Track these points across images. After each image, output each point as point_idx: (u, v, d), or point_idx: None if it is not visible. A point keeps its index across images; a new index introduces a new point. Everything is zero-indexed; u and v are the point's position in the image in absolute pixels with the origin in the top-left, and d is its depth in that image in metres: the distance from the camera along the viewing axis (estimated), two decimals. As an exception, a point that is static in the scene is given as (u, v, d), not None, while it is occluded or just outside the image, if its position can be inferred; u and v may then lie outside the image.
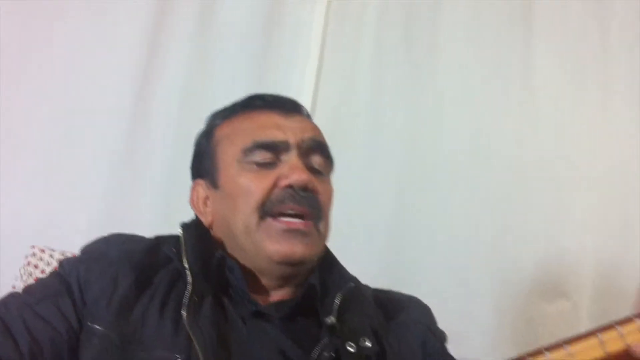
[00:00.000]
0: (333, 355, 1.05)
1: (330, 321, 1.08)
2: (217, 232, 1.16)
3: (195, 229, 1.14)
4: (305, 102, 1.84)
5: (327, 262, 1.19)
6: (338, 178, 1.81)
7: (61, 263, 1.09)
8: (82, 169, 1.73)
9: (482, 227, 1.84)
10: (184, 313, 1.02)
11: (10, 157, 1.69)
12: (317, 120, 1.81)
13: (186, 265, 1.07)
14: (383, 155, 1.86)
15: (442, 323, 1.74)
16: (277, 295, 1.14)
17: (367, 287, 1.24)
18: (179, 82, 1.81)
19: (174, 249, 1.10)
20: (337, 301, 1.10)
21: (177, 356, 0.99)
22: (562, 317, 1.81)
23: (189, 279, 1.06)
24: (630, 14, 1.82)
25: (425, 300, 1.76)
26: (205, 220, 1.17)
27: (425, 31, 1.89)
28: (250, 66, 1.85)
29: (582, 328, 1.74)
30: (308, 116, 1.24)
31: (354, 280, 1.20)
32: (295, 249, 1.08)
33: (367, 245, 1.83)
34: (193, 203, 1.19)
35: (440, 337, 1.21)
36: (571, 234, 1.82)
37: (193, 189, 1.20)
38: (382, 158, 1.86)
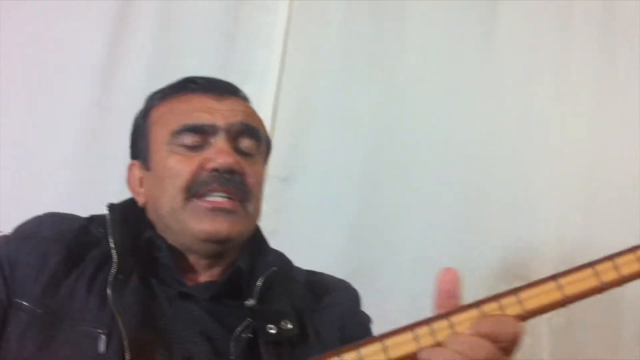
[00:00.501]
0: (251, 336, 1.09)
1: (250, 304, 1.12)
2: (150, 212, 1.20)
3: (124, 209, 1.19)
4: (270, 85, 1.86)
5: (257, 245, 1.24)
6: (305, 163, 1.85)
7: (-5, 242, 1.14)
8: (46, 152, 1.74)
9: (446, 210, 1.84)
10: (109, 291, 1.07)
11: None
12: (282, 102, 1.85)
13: (112, 245, 1.11)
14: (349, 138, 1.87)
15: (408, 305, 1.77)
16: (206, 276, 1.18)
17: (299, 271, 1.29)
18: (143, 65, 1.82)
19: (101, 229, 1.14)
20: (259, 284, 1.15)
21: (100, 331, 1.04)
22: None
23: (114, 257, 1.10)
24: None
25: (391, 283, 1.80)
26: (140, 200, 1.21)
27: (392, 10, 1.89)
28: (215, 47, 1.86)
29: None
30: (245, 99, 1.28)
31: (284, 262, 1.25)
32: (220, 227, 1.13)
33: (334, 226, 1.84)
34: (129, 183, 1.24)
35: (363, 319, 1.24)
36: (535, 217, 1.82)
37: (129, 169, 1.25)
38: (348, 141, 1.87)
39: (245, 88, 1.82)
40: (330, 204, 1.85)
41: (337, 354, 0.84)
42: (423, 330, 0.84)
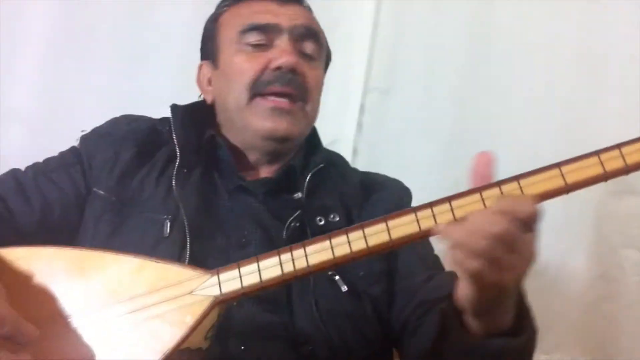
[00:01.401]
0: (298, 225, 1.17)
1: (298, 197, 1.20)
2: (218, 108, 1.30)
3: (187, 110, 1.28)
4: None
5: (313, 145, 1.30)
6: (405, 74, 1.86)
7: (79, 140, 1.28)
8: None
9: (543, 118, 1.80)
10: (173, 182, 1.18)
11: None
12: (383, 15, 1.85)
13: (175, 141, 1.22)
14: (447, 50, 1.85)
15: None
16: (265, 172, 1.27)
17: (355, 171, 1.36)
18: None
19: (167, 127, 1.25)
20: (307, 179, 1.21)
21: (165, 217, 1.16)
22: (632, 213, 1.75)
23: (178, 152, 1.21)
24: None
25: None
26: (208, 98, 1.31)
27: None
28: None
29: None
30: (309, 10, 1.33)
31: (338, 161, 1.33)
32: (279, 126, 1.20)
33: (433, 137, 1.86)
34: (198, 82, 1.34)
35: None
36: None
37: (199, 69, 1.34)
38: (446, 53, 1.85)
39: (346, 2, 1.88)
40: (429, 114, 1.86)
41: (346, 232, 0.90)
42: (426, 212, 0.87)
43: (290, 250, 0.90)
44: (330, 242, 0.89)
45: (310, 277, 1.10)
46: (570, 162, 0.85)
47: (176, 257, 1.10)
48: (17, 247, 0.98)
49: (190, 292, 0.91)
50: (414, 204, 1.27)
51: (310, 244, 0.90)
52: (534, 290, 1.76)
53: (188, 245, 1.12)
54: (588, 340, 1.78)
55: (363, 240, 0.88)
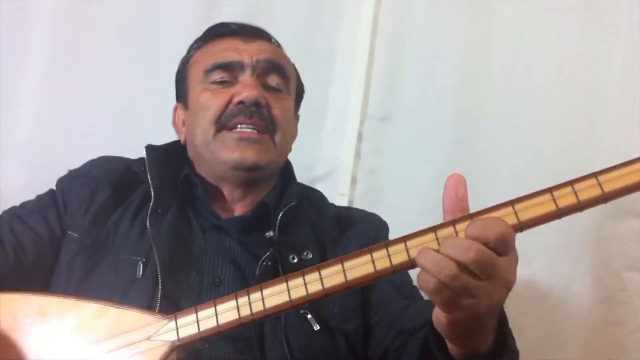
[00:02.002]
0: (270, 264, 1.16)
1: (270, 235, 1.20)
2: (189, 147, 1.31)
3: (161, 150, 1.29)
4: (366, 26, 1.85)
5: (286, 180, 1.30)
6: (402, 103, 1.84)
7: (57, 182, 1.30)
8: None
9: (551, 147, 1.77)
10: (147, 223, 1.19)
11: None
12: (379, 44, 1.84)
13: (150, 182, 1.23)
14: (443, 78, 1.84)
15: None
16: (240, 207, 1.27)
17: (331, 206, 1.35)
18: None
19: (142, 168, 1.26)
20: (279, 217, 1.21)
21: (138, 259, 1.16)
22: (633, 235, 1.72)
23: (152, 193, 1.22)
24: None
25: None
26: (182, 139, 1.33)
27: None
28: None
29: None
30: (276, 44, 1.35)
31: (314, 197, 1.32)
32: (246, 154, 1.21)
33: (430, 162, 1.83)
34: (174, 124, 1.36)
35: None
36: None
37: (174, 111, 1.36)
38: (442, 80, 1.83)
39: (342, 30, 1.88)
40: (427, 141, 1.84)
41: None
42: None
43: (248, 294, 0.89)
44: (287, 285, 0.88)
45: (281, 315, 1.10)
46: (524, 199, 0.83)
47: (148, 299, 1.11)
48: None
49: (148, 338, 0.91)
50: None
51: (268, 286, 0.89)
52: (538, 315, 1.77)
53: (160, 287, 1.12)
54: (594, 365, 1.74)
55: (319, 282, 0.87)
